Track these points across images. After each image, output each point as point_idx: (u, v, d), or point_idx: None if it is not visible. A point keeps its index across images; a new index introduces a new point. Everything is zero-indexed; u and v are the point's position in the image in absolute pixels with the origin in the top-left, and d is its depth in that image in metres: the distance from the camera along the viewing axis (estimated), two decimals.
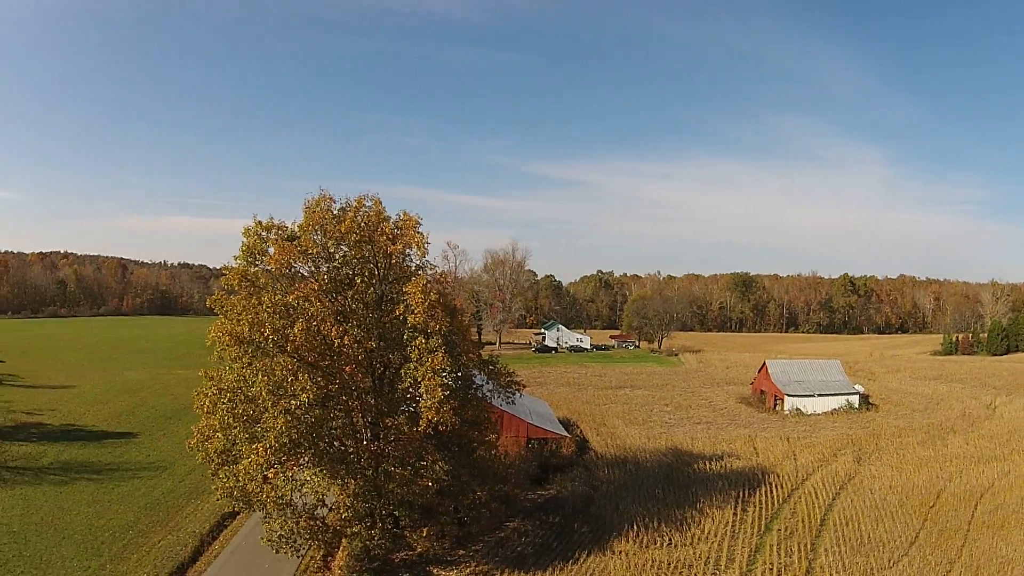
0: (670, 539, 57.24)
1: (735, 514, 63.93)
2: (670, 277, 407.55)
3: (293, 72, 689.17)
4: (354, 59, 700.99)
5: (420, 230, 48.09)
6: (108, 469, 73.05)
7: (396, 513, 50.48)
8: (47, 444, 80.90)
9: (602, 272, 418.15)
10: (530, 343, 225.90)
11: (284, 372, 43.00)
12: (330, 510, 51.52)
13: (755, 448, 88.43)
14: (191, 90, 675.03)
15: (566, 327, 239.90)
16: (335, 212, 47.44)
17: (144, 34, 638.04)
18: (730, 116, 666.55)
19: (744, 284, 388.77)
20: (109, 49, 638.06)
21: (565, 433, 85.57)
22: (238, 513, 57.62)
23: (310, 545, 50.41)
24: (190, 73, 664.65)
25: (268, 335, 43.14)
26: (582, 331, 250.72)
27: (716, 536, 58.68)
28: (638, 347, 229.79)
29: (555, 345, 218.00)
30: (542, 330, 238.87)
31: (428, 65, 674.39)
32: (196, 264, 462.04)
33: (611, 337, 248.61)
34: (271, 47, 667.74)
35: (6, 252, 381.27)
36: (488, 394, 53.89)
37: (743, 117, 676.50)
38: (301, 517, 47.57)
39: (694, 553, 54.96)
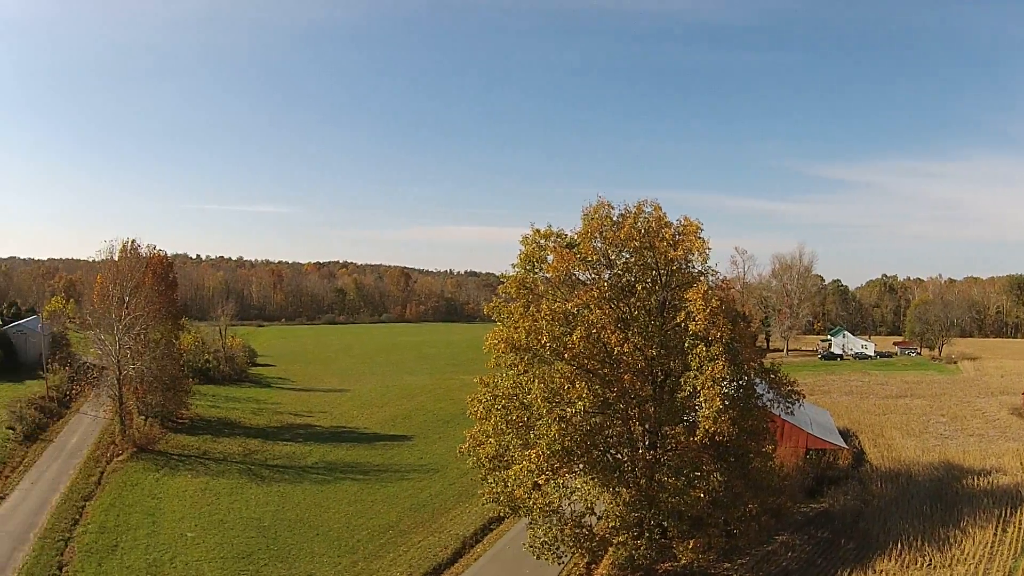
0: (930, 559, 53.14)
1: (994, 534, 58.85)
2: (951, 280, 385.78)
3: (566, 79, 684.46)
4: (626, 63, 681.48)
5: (701, 235, 46.76)
6: (376, 470, 75.81)
7: (664, 523, 49.18)
8: (313, 445, 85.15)
9: (886, 276, 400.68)
10: (816, 350, 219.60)
11: (561, 379, 42.86)
12: (599, 519, 50.87)
13: (1022, 463, 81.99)
14: (474, 98, 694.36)
15: (851, 333, 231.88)
16: (614, 219, 46.82)
17: (411, 41, 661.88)
18: (1007, 111, 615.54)
19: (1020, 287, 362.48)
20: (382, 63, 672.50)
21: (843, 444, 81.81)
22: (504, 518, 58.06)
23: (573, 553, 49.97)
24: (470, 81, 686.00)
25: (546, 342, 43.07)
26: (866, 337, 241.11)
27: (974, 558, 53.55)
28: (919, 354, 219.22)
29: (840, 352, 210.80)
30: (828, 336, 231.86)
31: (700, 67, 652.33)
32: (483, 272, 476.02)
33: (894, 344, 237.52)
34: (545, 53, 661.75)
35: (280, 262, 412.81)
36: (768, 403, 51.87)
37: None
38: (567, 524, 47.12)
39: (951, 575, 51.08)
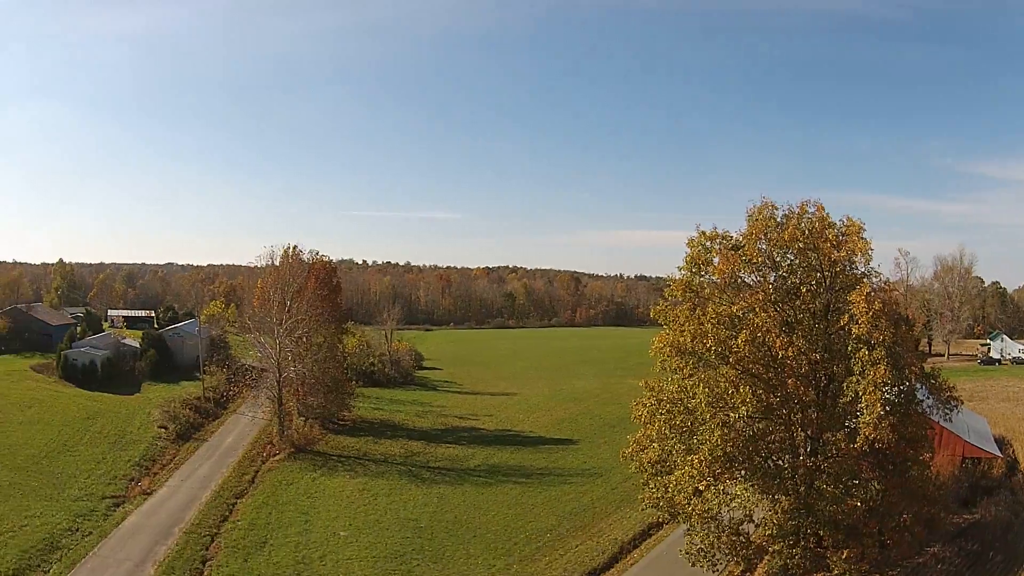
0: None
1: None
2: None
3: (727, 78, 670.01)
4: (786, 59, 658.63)
5: (863, 236, 45.17)
6: (538, 474, 76.06)
7: (820, 532, 47.80)
8: (477, 447, 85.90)
9: None
10: (975, 355, 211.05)
11: (726, 384, 42.19)
12: (756, 526, 49.84)
13: None
14: (641, 96, 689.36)
15: (1009, 337, 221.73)
16: (778, 219, 45.84)
17: (586, 43, 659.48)
18: None
19: None
20: (559, 67, 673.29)
21: (998, 452, 78.05)
22: (664, 524, 57.45)
23: (728, 561, 49.03)
24: (638, 83, 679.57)
25: (711, 346, 42.57)
26: None
27: None
28: None
29: (999, 357, 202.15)
30: (987, 341, 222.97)
31: (860, 62, 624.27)
32: (653, 276, 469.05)
33: None
34: (710, 52, 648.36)
35: (449, 267, 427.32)
36: (928, 409, 49.73)
37: None
38: (724, 532, 46.31)
39: None
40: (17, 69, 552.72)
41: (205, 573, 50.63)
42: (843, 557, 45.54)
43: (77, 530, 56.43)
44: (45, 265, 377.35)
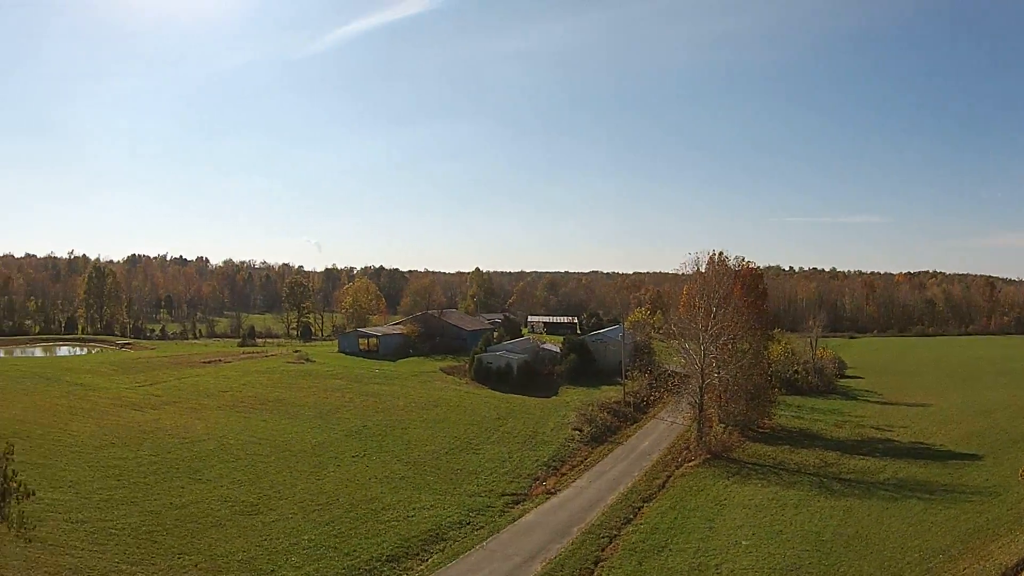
0: None
1: None
2: None
3: None
4: None
5: None
6: (942, 490, 67.58)
7: None
8: (888, 460, 79.61)
9: None
10: None
11: None
12: None
13: None
14: None
15: None
16: None
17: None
18: None
19: None
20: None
21: None
22: None
23: None
24: None
25: None
26: None
27: None
28: None
29: None
30: None
31: None
32: None
33: None
34: None
35: (872, 273, 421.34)
36: None
37: None
38: None
39: None
40: (428, 91, 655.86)
41: (596, 573, 50.61)
42: None
43: (467, 524, 58.34)
44: (460, 273, 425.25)
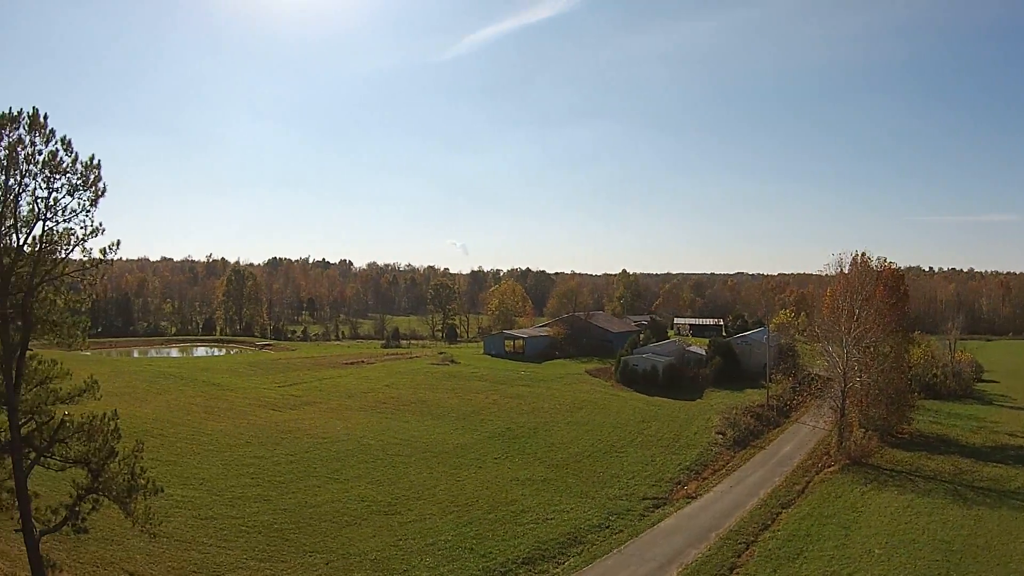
0: None
1: None
2: None
3: None
4: None
5: None
6: None
7: None
8: (1020, 468, 77.07)
9: None
10: None
11: None
12: None
13: None
14: None
15: None
16: None
17: None
18: None
19: None
20: None
21: None
22: None
23: None
24: None
25: None
26: None
27: None
28: None
29: None
30: None
31: None
32: None
33: None
34: None
35: (1008, 273, 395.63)
36: None
37: None
38: None
39: None
40: (570, 92, 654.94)
41: None
42: None
43: (607, 527, 58.46)
44: (607, 276, 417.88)
